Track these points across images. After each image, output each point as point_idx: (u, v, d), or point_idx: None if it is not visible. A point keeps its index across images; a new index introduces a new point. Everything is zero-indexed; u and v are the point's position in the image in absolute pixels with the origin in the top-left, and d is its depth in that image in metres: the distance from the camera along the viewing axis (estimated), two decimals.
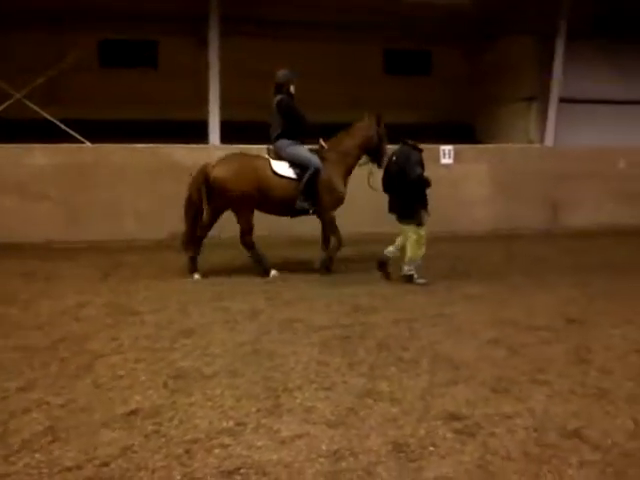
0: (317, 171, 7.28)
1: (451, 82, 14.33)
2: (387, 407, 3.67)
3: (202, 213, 7.25)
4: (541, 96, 12.08)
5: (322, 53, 13.55)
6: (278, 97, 7.42)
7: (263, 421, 3.47)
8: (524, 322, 5.46)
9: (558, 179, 11.31)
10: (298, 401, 3.74)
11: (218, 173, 7.10)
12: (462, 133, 13.78)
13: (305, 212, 7.45)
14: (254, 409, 3.62)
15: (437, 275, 7.32)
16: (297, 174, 7.30)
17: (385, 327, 5.29)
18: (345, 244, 7.66)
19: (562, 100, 11.89)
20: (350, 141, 7.62)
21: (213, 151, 10.49)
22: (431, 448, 3.19)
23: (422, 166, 6.92)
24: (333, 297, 6.29)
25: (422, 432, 3.36)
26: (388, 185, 7.14)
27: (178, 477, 2.90)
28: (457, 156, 10.98)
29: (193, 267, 7.32)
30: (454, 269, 7.90)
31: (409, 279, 7.01)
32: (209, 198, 7.13)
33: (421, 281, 6.96)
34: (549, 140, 11.69)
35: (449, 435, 3.32)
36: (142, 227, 10.01)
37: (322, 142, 7.62)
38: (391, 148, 7.44)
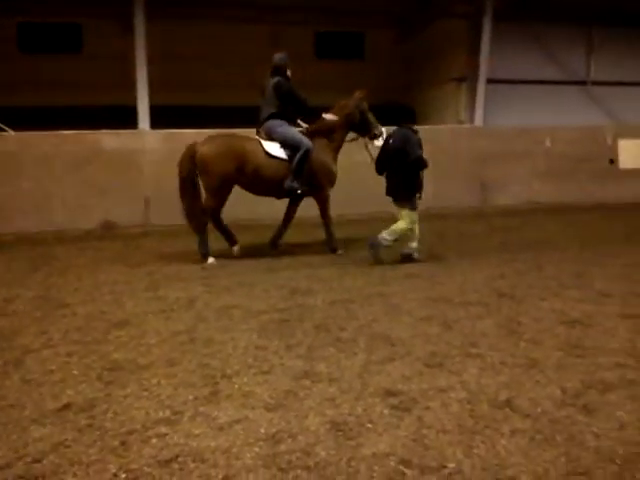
0: (308, 151, 7.31)
1: (385, 65, 14.45)
2: (325, 387, 3.70)
3: (198, 190, 7.28)
4: (470, 77, 12.34)
5: (252, 35, 13.41)
6: (275, 79, 7.42)
7: (201, 409, 3.44)
8: (457, 298, 5.60)
9: (487, 158, 11.62)
10: (236, 387, 3.72)
11: (203, 151, 7.11)
12: (401, 115, 13.90)
13: (293, 193, 7.48)
14: (191, 397, 3.58)
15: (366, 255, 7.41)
16: (288, 155, 7.33)
17: (323, 309, 5.32)
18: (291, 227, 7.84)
19: (490, 81, 12.19)
20: (332, 123, 7.70)
21: (143, 136, 10.26)
22: (369, 425, 3.24)
23: (421, 147, 7.00)
24: (271, 282, 6.28)
25: (360, 410, 3.40)
26: (384, 167, 7.21)
27: (113, 470, 2.84)
28: None
29: (204, 251, 7.24)
30: (389, 249, 7.98)
31: (377, 245, 7.03)
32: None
33: (383, 242, 7.02)
34: (478, 120, 11.98)
35: (386, 411, 3.38)
36: (71, 217, 9.72)
37: (302, 123, 7.69)
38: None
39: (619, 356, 4.18)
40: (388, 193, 7.18)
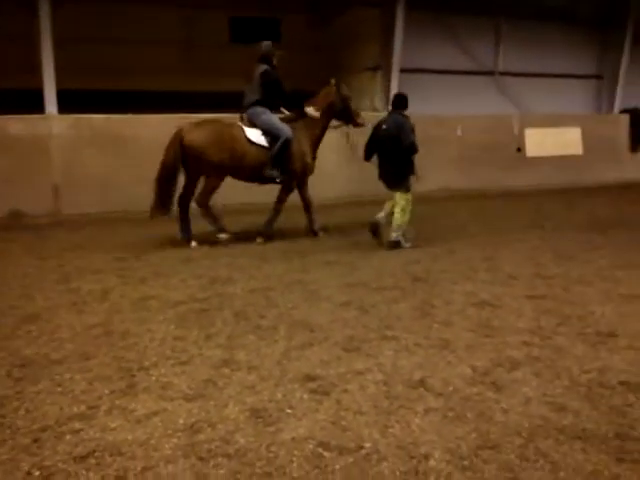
0: (287, 140, 7.40)
1: (300, 51, 14.43)
2: (245, 375, 3.71)
3: (176, 178, 7.24)
4: (384, 66, 12.54)
5: (164, 18, 13.09)
6: (262, 67, 7.50)
7: (117, 402, 3.37)
8: (374, 283, 5.73)
9: None
10: (154, 378, 3.67)
11: (193, 138, 7.11)
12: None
13: (273, 180, 7.55)
14: (107, 391, 3.50)
15: (293, 242, 7.46)
16: (269, 142, 7.40)
17: (243, 297, 5.31)
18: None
19: (404, 70, 12.43)
20: (317, 108, 7.79)
21: (51, 121, 9.83)
22: (288, 410, 3.28)
23: (414, 133, 7.11)
24: (190, 272, 6.20)
25: (279, 396, 3.44)
26: (372, 152, 7.36)
27: (26, 468, 2.75)
28: None
29: (185, 234, 7.34)
30: (311, 236, 8.06)
31: (396, 245, 7.20)
32: (184, 163, 7.20)
33: (408, 245, 7.25)
34: None
35: (305, 396, 3.43)
36: None
37: (284, 110, 7.80)
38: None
39: (525, 335, 4.42)
40: (381, 178, 7.34)
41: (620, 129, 14.45)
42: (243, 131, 7.40)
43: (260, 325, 4.60)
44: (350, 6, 13.64)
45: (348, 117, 8.00)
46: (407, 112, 7.37)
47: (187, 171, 7.36)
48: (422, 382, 3.62)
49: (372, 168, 7.58)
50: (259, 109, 7.48)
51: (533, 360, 3.96)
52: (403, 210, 7.20)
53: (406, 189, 7.21)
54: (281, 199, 7.84)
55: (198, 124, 7.35)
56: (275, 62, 7.66)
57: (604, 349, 4.14)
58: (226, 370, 3.78)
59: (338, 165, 11.25)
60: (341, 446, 2.93)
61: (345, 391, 3.50)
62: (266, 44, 7.65)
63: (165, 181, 7.18)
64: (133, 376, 3.71)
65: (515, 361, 3.95)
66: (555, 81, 15.47)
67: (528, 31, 14.82)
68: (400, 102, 7.33)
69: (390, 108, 7.53)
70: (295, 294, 5.43)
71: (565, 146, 13.62)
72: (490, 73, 14.54)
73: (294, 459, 2.82)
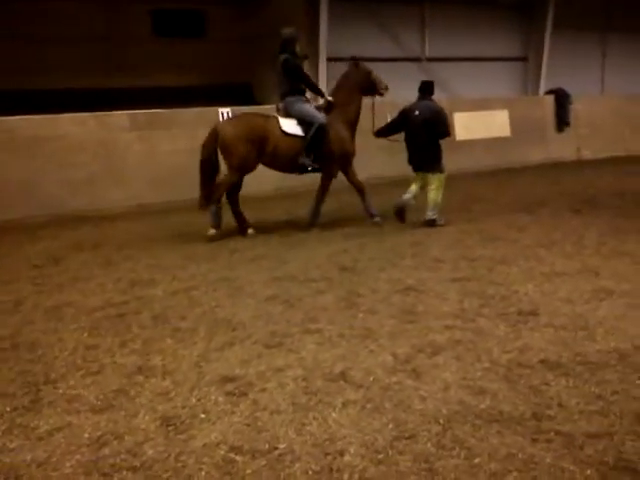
0: (322, 127, 7.33)
1: (227, 43, 14.19)
2: (159, 382, 3.55)
3: (218, 171, 7.35)
4: (311, 55, 12.42)
5: (83, 15, 12.61)
6: (283, 56, 7.40)
7: (18, 420, 3.16)
8: (301, 276, 5.63)
9: None
10: (60, 391, 3.46)
11: (225, 134, 7.18)
12: (241, 94, 13.78)
13: (307, 169, 7.53)
14: (8, 408, 3.28)
15: (219, 239, 7.29)
16: (305, 131, 7.37)
17: (163, 299, 5.12)
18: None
19: (331, 59, 12.34)
20: (345, 92, 7.73)
21: None
22: (202, 415, 3.15)
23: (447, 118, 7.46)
24: (109, 275, 5.93)
25: (194, 401, 3.30)
26: (394, 133, 7.71)
27: None
28: None
29: (214, 222, 7.37)
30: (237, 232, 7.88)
31: (432, 223, 7.48)
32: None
33: (442, 222, 7.52)
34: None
35: (221, 399, 3.31)
36: None
37: (328, 98, 7.72)
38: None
39: (448, 319, 4.41)
40: (412, 161, 7.58)
41: (546, 110, 14.75)
42: (278, 122, 7.39)
43: (179, 327, 4.43)
44: None
45: (373, 89, 7.94)
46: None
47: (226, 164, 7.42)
48: (343, 374, 3.54)
49: None
50: (292, 98, 7.47)
51: (455, 344, 3.94)
52: (437, 189, 7.45)
53: (440, 170, 7.48)
54: (323, 187, 7.85)
55: (232, 119, 7.44)
56: (298, 49, 7.62)
57: (525, 328, 4.17)
58: (139, 377, 3.61)
59: None
60: (254, 449, 2.81)
61: (263, 390, 3.39)
62: (287, 31, 7.55)
63: (205, 175, 7.31)
64: (39, 390, 3.49)
65: (437, 346, 3.92)
66: (482, 65, 15.69)
67: (453, 16, 14.95)
68: (428, 88, 7.58)
69: (418, 94, 7.65)
70: (219, 292, 5.27)
71: (493, 129, 13.81)
72: (417, 59, 14.63)
73: (203, 467, 2.69)
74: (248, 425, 3.03)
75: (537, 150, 13.83)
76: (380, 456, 2.72)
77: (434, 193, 7.48)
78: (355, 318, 4.49)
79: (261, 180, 10.87)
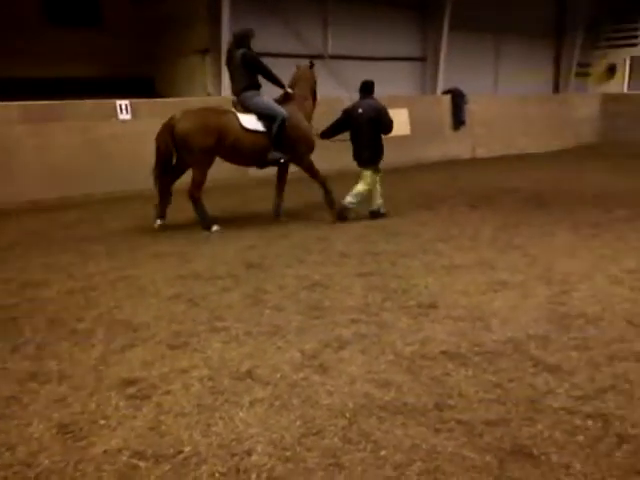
0: (284, 120, 7.34)
1: (125, 33, 13.66)
2: (55, 387, 3.36)
3: (172, 164, 7.31)
4: (214, 49, 12.21)
5: None
6: (241, 51, 7.33)
7: None
8: (206, 274, 5.52)
9: None
10: None
11: (182, 126, 7.06)
12: (142, 87, 13.34)
13: (276, 162, 7.60)
14: None
15: (123, 235, 7.03)
16: (266, 126, 7.35)
17: (58, 300, 4.86)
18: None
19: None
20: (302, 88, 7.86)
21: None
22: (102, 421, 3.01)
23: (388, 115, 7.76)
24: None
25: (93, 406, 3.16)
26: (338, 133, 7.95)
27: None
28: (136, 111, 10.53)
29: (208, 221, 7.39)
30: (142, 228, 7.63)
31: (344, 210, 7.66)
32: (176, 149, 7.20)
33: (350, 215, 7.72)
34: (226, 92, 11.92)
35: (122, 403, 3.18)
36: None
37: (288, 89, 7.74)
38: None
39: (354, 313, 4.46)
40: (358, 158, 7.79)
41: (443, 109, 15.28)
42: (237, 118, 7.29)
43: (76, 329, 4.22)
44: None
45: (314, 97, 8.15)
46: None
47: (177, 158, 7.37)
48: (250, 373, 3.51)
49: None
50: (249, 93, 7.39)
51: (360, 337, 4.00)
52: (367, 184, 7.70)
53: (376, 169, 7.77)
54: (315, 175, 7.95)
55: (188, 112, 7.23)
56: (251, 45, 7.48)
57: (426, 320, 4.29)
58: (33, 384, 3.41)
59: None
60: (158, 453, 2.73)
61: (167, 392, 3.29)
62: (241, 28, 7.66)
63: (160, 168, 7.30)
64: None
65: (343, 340, 3.96)
66: (383, 64, 16.01)
67: (356, 15, 15.14)
68: (369, 88, 7.86)
69: (359, 94, 7.92)
70: (120, 292, 5.07)
71: (395, 127, 14.15)
72: (320, 56, 14.71)
73: (104, 475, 2.58)
74: (151, 429, 2.93)
75: (435, 148, 14.29)
76: (288, 453, 2.71)
77: (362, 186, 7.73)
78: (262, 315, 4.46)
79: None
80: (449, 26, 16.23)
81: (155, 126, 9.65)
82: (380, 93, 14.97)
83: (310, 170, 7.96)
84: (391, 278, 5.26)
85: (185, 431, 2.90)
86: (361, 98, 7.87)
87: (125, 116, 10.26)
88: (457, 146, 15.06)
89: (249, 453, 2.71)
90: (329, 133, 8.02)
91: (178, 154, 7.31)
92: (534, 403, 3.11)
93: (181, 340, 4.01)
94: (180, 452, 2.73)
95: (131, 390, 3.31)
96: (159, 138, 7.27)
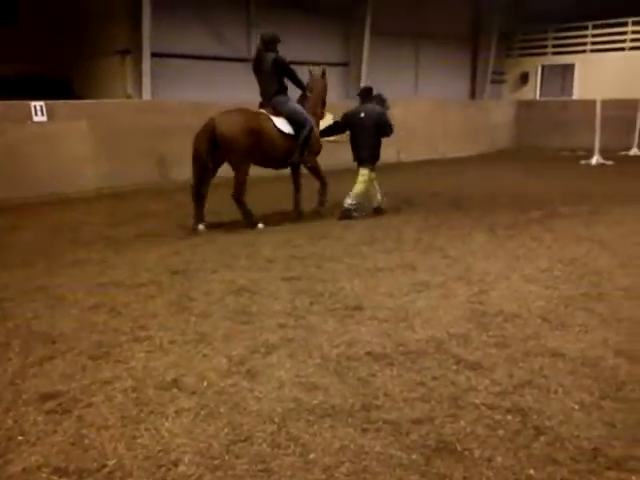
0: (312, 128, 7.69)
1: (42, 32, 13.14)
2: None
3: (210, 166, 7.26)
4: (135, 49, 11.94)
5: None
6: (272, 55, 7.50)
7: None
8: (128, 281, 5.38)
9: (161, 134, 11.36)
10: None
11: (226, 128, 7.10)
12: (58, 88, 12.86)
13: (299, 166, 7.96)
14: None
15: (37, 242, 6.75)
16: (294, 130, 7.57)
17: None
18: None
19: (156, 55, 11.95)
20: (314, 94, 8.13)
21: None
22: (20, 437, 2.89)
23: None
24: None
25: (10, 422, 3.02)
26: (353, 137, 8.19)
27: None
28: (52, 113, 10.15)
29: (199, 218, 7.36)
30: (59, 235, 7.36)
31: (348, 212, 7.99)
32: (214, 151, 7.17)
33: (357, 215, 8.06)
34: (147, 94, 11.68)
35: (40, 418, 3.06)
36: None
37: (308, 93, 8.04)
38: None
39: (281, 317, 4.47)
40: (358, 158, 8.16)
41: None
42: (271, 120, 7.48)
43: None
44: None
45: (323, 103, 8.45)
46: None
47: (216, 158, 7.31)
48: (175, 382, 3.45)
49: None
50: (283, 98, 7.62)
51: (288, 342, 4.01)
52: (363, 183, 8.05)
53: (372, 168, 8.13)
54: (319, 174, 8.22)
55: (227, 114, 7.28)
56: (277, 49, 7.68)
57: (352, 322, 4.35)
58: None
59: (92, 157, 10.48)
60: (81, 468, 2.64)
61: (89, 405, 3.19)
62: (269, 32, 7.74)
63: (198, 170, 7.28)
64: None
65: (271, 345, 3.96)
66: (306, 68, 16.12)
67: (278, 19, 15.15)
68: (368, 94, 8.33)
69: (359, 99, 8.42)
70: (37, 302, 4.86)
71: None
72: (244, 60, 14.64)
73: None
74: (73, 444, 2.83)
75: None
76: (216, 462, 2.68)
77: (360, 186, 8.09)
78: (187, 322, 4.39)
79: (81, 179, 10.29)
80: (370, 32, 16.53)
81: (72, 128, 9.38)
82: None
83: (315, 170, 8.25)
84: (317, 282, 5.30)
85: (109, 444, 2.82)
86: (361, 103, 8.34)
87: (40, 118, 9.87)
88: (382, 151, 15.32)
89: (176, 464, 2.67)
90: (326, 133, 8.43)
91: (216, 156, 7.27)
92: (457, 400, 3.21)
93: (103, 351, 3.89)
94: (104, 466, 2.65)
95: (51, 404, 3.19)
96: (198, 140, 7.23)
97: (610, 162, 14.40)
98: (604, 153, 14.65)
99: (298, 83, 7.87)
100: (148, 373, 3.56)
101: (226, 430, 2.94)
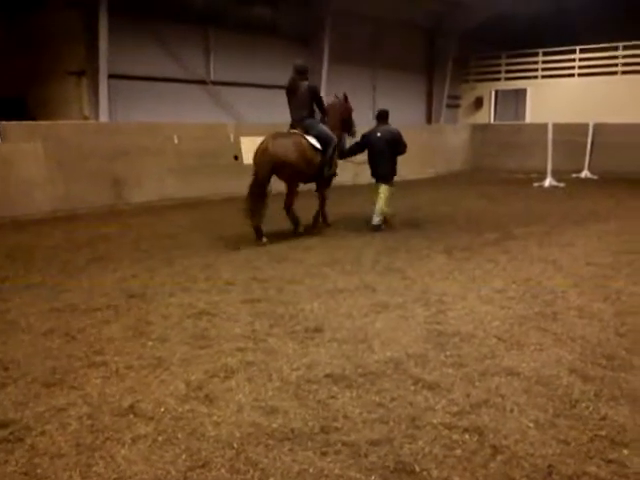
0: (336, 144, 8.62)
1: None
2: None
3: (267, 189, 7.98)
4: (90, 71, 11.83)
5: None
6: (306, 83, 8.45)
7: None
8: (83, 305, 5.28)
9: (117, 155, 11.25)
10: None
11: (281, 150, 7.96)
12: (12, 108, 12.63)
13: (330, 177, 8.91)
14: None
15: None
16: (322, 147, 8.43)
17: None
18: None
19: (113, 76, 11.88)
20: (333, 119, 8.87)
21: None
22: None
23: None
24: None
25: None
26: (356, 154, 9.11)
27: None
28: (5, 134, 9.95)
29: (260, 234, 8.00)
30: (12, 259, 7.18)
31: (378, 228, 8.78)
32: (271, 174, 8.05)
33: (384, 227, 8.90)
34: (103, 116, 11.57)
35: None
36: None
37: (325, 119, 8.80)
38: None
39: (240, 341, 4.45)
40: (376, 175, 9.00)
41: None
42: (306, 139, 8.30)
43: None
44: (44, 5, 12.56)
45: (350, 126, 9.32)
46: None
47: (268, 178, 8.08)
48: (132, 408, 3.39)
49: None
50: (314, 120, 8.53)
51: (247, 365, 3.99)
52: (385, 199, 8.86)
53: (391, 184, 8.94)
54: (325, 196, 9.10)
55: (278, 138, 8.10)
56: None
57: (312, 344, 4.36)
58: None
59: (47, 180, 10.29)
60: None
61: (42, 433, 3.11)
62: (303, 62, 8.82)
63: (257, 194, 7.90)
64: None
65: (230, 369, 3.93)
66: (266, 91, 16.21)
67: (237, 42, 15.29)
68: (385, 116, 9.14)
69: (376, 121, 9.20)
70: None
71: None
72: (203, 82, 14.69)
73: None
74: (25, 474, 2.76)
75: None
76: None
77: (382, 202, 8.87)
78: (144, 347, 4.33)
79: (35, 201, 10.09)
80: (329, 59, 16.78)
81: (27, 150, 9.20)
82: (262, 120, 15.22)
83: (327, 184, 9.08)
84: (278, 304, 5.30)
85: (63, 473, 2.75)
86: (378, 124, 9.12)
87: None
88: (341, 173, 15.47)
89: None
90: (347, 154, 9.17)
91: (272, 174, 8.10)
92: (415, 420, 3.24)
93: (57, 377, 3.80)
94: None
95: (2, 433, 3.10)
96: (259, 162, 8.00)
97: (562, 184, 14.83)
98: (556, 175, 15.09)
99: (322, 108, 8.78)
100: (104, 399, 3.49)
101: (184, 456, 2.90)
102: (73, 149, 10.70)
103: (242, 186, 13.26)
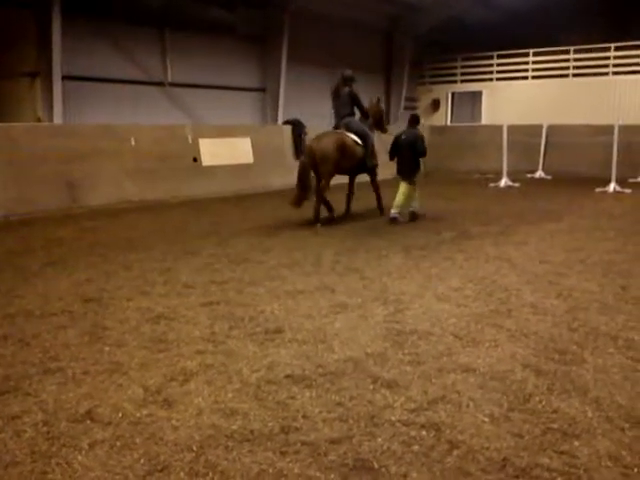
0: (373, 140, 10.17)
1: None
2: None
3: (310, 179, 9.45)
4: (44, 72, 11.59)
5: None
6: (347, 89, 9.90)
7: None
8: (38, 311, 5.17)
9: (72, 158, 11.05)
10: None
11: (322, 147, 9.35)
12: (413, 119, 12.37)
13: (371, 169, 10.27)
14: None
15: None
16: (362, 142, 9.82)
17: None
18: None
19: (68, 77, 11.65)
20: (370, 119, 10.47)
21: None
22: None
23: (424, 141, 9.89)
24: None
25: None
26: (394, 155, 9.92)
27: None
28: None
29: (317, 218, 9.42)
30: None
31: (395, 220, 9.57)
32: (313, 166, 9.46)
33: (402, 220, 9.67)
34: (58, 118, 11.34)
35: None
36: None
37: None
38: None
39: (199, 344, 4.43)
40: (400, 173, 9.89)
41: (284, 139, 15.72)
42: (349, 136, 9.67)
43: None
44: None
45: (381, 126, 11.00)
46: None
47: (315, 171, 9.52)
48: (89, 413, 3.35)
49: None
50: (354, 119, 10.02)
51: (206, 368, 3.98)
52: (405, 195, 9.67)
53: (412, 182, 9.72)
54: (376, 184, 10.53)
55: (321, 137, 9.57)
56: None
57: (272, 346, 4.37)
58: None
59: None
60: None
61: None
62: (350, 71, 10.03)
63: (304, 182, 9.37)
64: None
65: (189, 372, 3.91)
66: (225, 93, 16.16)
67: (194, 43, 15.18)
68: (415, 120, 10.06)
69: (407, 124, 10.06)
70: None
71: (237, 155, 14.30)
72: (160, 84, 14.53)
73: None
74: None
75: (277, 176, 14.61)
76: None
77: (402, 198, 9.69)
78: (101, 352, 4.27)
79: None
80: (287, 59, 16.80)
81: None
82: (222, 122, 15.18)
83: (375, 177, 10.55)
84: (237, 306, 5.29)
85: None
86: (408, 127, 10.01)
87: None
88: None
89: None
90: (390, 156, 10.06)
91: (315, 168, 9.43)
92: (374, 418, 3.28)
93: (11, 384, 3.72)
94: None
95: None
96: (305, 160, 9.43)
97: (517, 184, 15.16)
98: (512, 175, 15.42)
99: (363, 110, 10.23)
100: (60, 406, 3.44)
101: (142, 461, 2.88)
102: (26, 151, 10.46)
103: (200, 188, 13.24)
